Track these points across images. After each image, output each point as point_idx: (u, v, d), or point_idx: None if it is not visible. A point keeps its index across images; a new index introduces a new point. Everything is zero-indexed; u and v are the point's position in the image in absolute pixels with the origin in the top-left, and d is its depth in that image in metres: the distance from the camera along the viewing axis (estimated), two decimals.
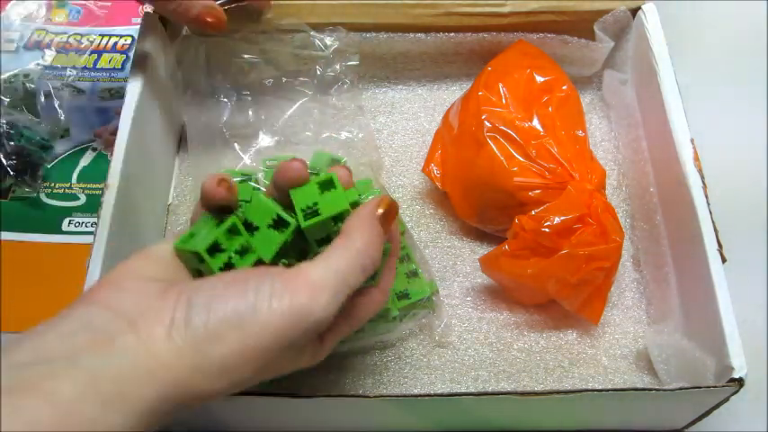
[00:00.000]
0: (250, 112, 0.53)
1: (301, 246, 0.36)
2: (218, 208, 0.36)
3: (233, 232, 0.34)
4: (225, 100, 0.53)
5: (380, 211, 0.34)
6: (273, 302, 0.29)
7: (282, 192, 0.37)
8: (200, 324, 0.29)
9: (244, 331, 0.29)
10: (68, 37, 0.65)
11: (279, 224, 0.35)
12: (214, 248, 0.33)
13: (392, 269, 0.38)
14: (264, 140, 0.52)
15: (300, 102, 0.53)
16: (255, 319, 0.29)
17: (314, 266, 0.31)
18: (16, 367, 0.26)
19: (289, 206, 0.36)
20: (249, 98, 0.53)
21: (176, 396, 0.28)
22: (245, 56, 0.53)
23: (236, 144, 0.51)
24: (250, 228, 0.35)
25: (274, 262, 0.35)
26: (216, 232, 0.33)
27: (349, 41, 0.55)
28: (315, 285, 0.30)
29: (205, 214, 0.36)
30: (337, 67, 0.54)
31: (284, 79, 0.53)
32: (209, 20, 0.46)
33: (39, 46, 0.65)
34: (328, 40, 0.54)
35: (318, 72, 0.54)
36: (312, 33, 0.53)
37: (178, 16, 0.46)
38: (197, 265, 0.33)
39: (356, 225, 0.33)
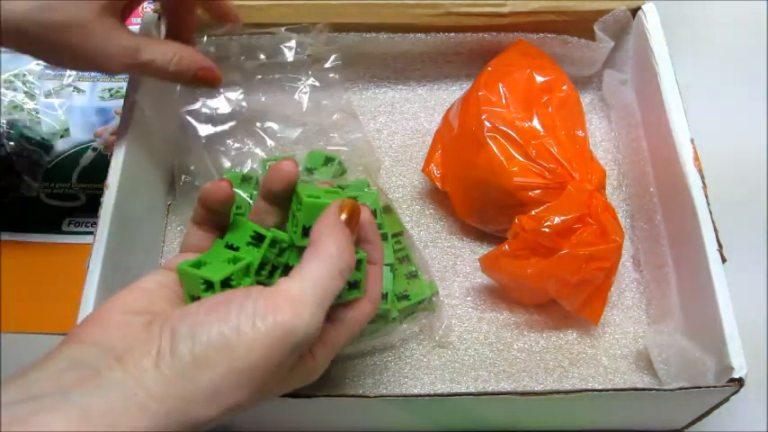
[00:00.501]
0: (246, 118, 0.53)
1: (285, 262, 0.37)
2: (215, 212, 0.36)
3: (245, 272, 0.35)
4: (221, 113, 0.52)
5: (344, 216, 0.34)
6: (257, 322, 0.29)
7: (272, 194, 0.37)
8: (185, 351, 0.28)
9: (231, 354, 0.28)
10: None
11: (257, 240, 0.36)
12: (225, 282, 0.33)
13: (378, 276, 0.38)
14: (262, 142, 0.52)
15: (297, 102, 0.53)
16: (241, 341, 0.29)
17: (291, 281, 0.31)
18: (6, 406, 0.26)
19: (280, 211, 0.37)
20: (244, 103, 0.53)
21: (171, 425, 0.28)
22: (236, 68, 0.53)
23: (233, 153, 0.51)
24: (232, 249, 0.36)
25: (258, 277, 0.35)
26: (232, 268, 0.34)
27: (348, 41, 0.55)
28: (295, 300, 0.30)
29: (218, 243, 0.36)
30: (329, 67, 0.54)
31: (277, 75, 0.53)
32: (204, 76, 0.45)
33: None
34: (309, 41, 0.54)
35: (310, 73, 0.54)
36: (291, 35, 0.53)
37: (175, 78, 0.44)
38: (200, 292, 0.33)
39: (324, 231, 0.33)
